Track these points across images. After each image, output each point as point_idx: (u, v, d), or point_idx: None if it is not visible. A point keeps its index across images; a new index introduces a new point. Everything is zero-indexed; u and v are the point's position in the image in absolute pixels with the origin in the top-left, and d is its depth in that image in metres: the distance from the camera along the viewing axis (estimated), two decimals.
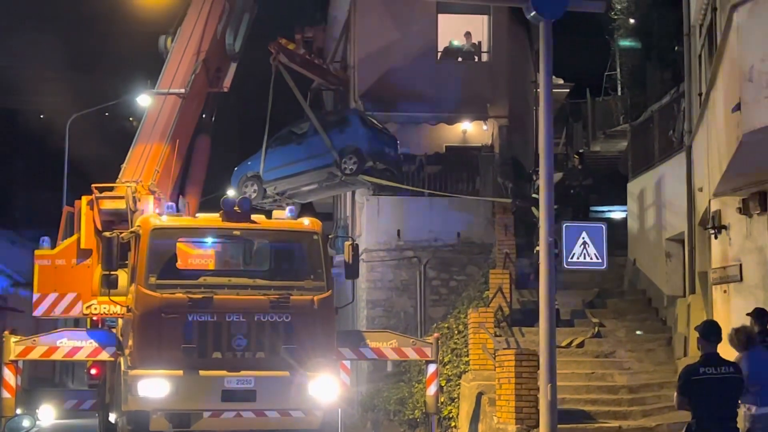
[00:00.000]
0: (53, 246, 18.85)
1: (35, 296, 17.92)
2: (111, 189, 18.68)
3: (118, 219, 18.13)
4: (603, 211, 33.38)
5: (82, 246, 17.93)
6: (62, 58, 50.49)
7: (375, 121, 27.53)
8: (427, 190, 27.06)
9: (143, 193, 18.40)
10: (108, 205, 18.19)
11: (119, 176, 19.38)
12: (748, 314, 13.59)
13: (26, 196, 58.11)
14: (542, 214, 15.66)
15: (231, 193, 27.22)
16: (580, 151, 29.59)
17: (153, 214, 16.72)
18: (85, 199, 18.42)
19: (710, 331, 10.67)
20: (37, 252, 18.42)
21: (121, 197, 18.06)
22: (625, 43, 26.11)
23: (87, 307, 17.25)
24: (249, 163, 27.23)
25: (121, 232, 16.47)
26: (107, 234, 16.35)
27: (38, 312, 17.95)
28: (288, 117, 28.45)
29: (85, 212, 18.20)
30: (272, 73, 26.05)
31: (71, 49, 48.16)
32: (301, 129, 27.45)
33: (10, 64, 50.96)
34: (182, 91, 20.62)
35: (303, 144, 26.95)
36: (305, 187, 27.19)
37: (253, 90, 25.95)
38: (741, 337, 12.10)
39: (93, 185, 18.59)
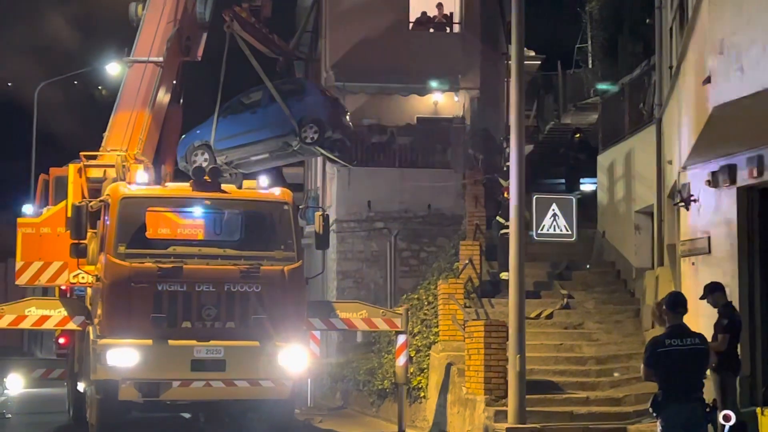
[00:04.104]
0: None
1: (18, 265, 17.78)
2: (95, 158, 18.53)
3: (104, 187, 17.98)
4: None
5: (69, 215, 17.76)
6: (30, 26, 49.96)
7: (327, 91, 27.63)
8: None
9: (131, 161, 18.26)
10: (96, 173, 18.05)
11: (102, 144, 19.21)
12: (702, 297, 13.73)
13: None
14: (513, 186, 15.74)
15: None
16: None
17: (122, 182, 16.62)
18: (73, 167, 18.27)
19: (676, 303, 10.72)
20: (20, 220, 18.29)
21: (111, 165, 17.90)
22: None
23: (74, 276, 17.08)
24: (198, 131, 26.92)
25: (90, 201, 16.38)
26: (76, 203, 16.23)
27: (21, 280, 17.84)
28: (242, 85, 28.21)
29: (73, 180, 18.04)
30: (226, 41, 25.82)
31: (39, 16, 47.66)
32: (250, 98, 27.32)
33: None
34: (161, 59, 20.47)
35: (258, 113, 26.76)
36: (255, 156, 27.05)
37: (204, 58, 25.60)
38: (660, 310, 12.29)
39: (81, 153, 18.44)
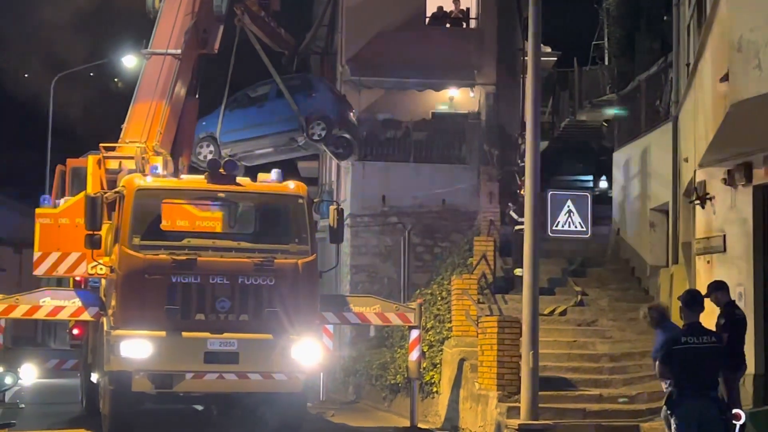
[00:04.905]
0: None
1: (36, 255, 17.76)
2: (114, 149, 18.53)
3: (119, 179, 17.96)
4: (587, 181, 33.50)
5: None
6: (47, 17, 50.08)
7: (334, 88, 27.72)
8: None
9: (150, 153, 18.26)
10: (114, 165, 18.03)
11: (121, 136, 19.21)
12: (706, 296, 13.68)
13: (9, 155, 57.80)
14: (528, 183, 15.71)
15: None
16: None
17: (137, 174, 16.64)
18: (92, 158, 18.28)
19: (693, 301, 10.72)
20: (38, 210, 18.26)
21: (130, 157, 17.89)
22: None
23: (92, 267, 17.10)
24: (203, 123, 27.01)
25: (105, 192, 16.39)
26: (91, 194, 16.24)
27: (39, 271, 17.80)
28: (246, 78, 28.22)
29: (92, 171, 18.04)
30: (236, 34, 25.84)
31: (56, 8, 47.75)
32: (256, 92, 27.35)
33: None
34: (178, 51, 20.46)
35: (265, 107, 26.85)
36: (259, 150, 27.11)
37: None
38: (654, 314, 12.36)
39: (101, 144, 18.45)
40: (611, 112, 26.02)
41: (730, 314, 13.39)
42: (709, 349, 10.36)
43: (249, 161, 27.29)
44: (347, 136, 27.15)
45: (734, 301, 13.87)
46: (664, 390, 12.59)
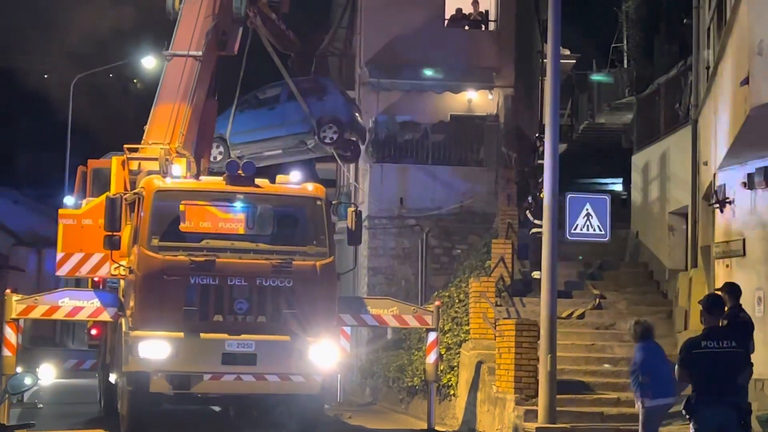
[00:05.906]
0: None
1: (59, 256, 17.80)
2: (136, 150, 18.58)
3: (139, 180, 17.98)
4: (606, 184, 33.41)
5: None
6: (67, 18, 50.29)
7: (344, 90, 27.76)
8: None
9: (173, 155, 18.30)
10: (135, 166, 18.07)
11: (144, 138, 19.27)
12: (717, 289, 13.62)
13: (29, 156, 58.11)
14: (546, 185, 15.70)
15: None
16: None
17: (156, 175, 16.68)
18: (116, 159, 18.34)
19: (713, 305, 10.67)
20: (61, 211, 18.31)
21: (154, 159, 17.94)
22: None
23: (116, 268, 17.18)
24: None
25: (124, 193, 16.44)
26: (111, 195, 16.29)
27: (62, 271, 17.86)
28: (252, 80, 28.17)
29: (116, 172, 18.09)
30: (249, 36, 25.85)
31: (76, 8, 47.95)
32: (266, 94, 27.35)
33: (14, 23, 50.79)
34: (200, 53, 20.53)
35: (276, 110, 26.82)
36: (268, 152, 27.10)
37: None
38: (638, 329, 12.41)
39: (125, 145, 18.51)
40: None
41: (734, 316, 13.35)
42: (728, 353, 10.30)
43: (256, 163, 27.23)
44: (355, 139, 27.16)
45: (741, 304, 13.83)
46: (637, 409, 12.64)
